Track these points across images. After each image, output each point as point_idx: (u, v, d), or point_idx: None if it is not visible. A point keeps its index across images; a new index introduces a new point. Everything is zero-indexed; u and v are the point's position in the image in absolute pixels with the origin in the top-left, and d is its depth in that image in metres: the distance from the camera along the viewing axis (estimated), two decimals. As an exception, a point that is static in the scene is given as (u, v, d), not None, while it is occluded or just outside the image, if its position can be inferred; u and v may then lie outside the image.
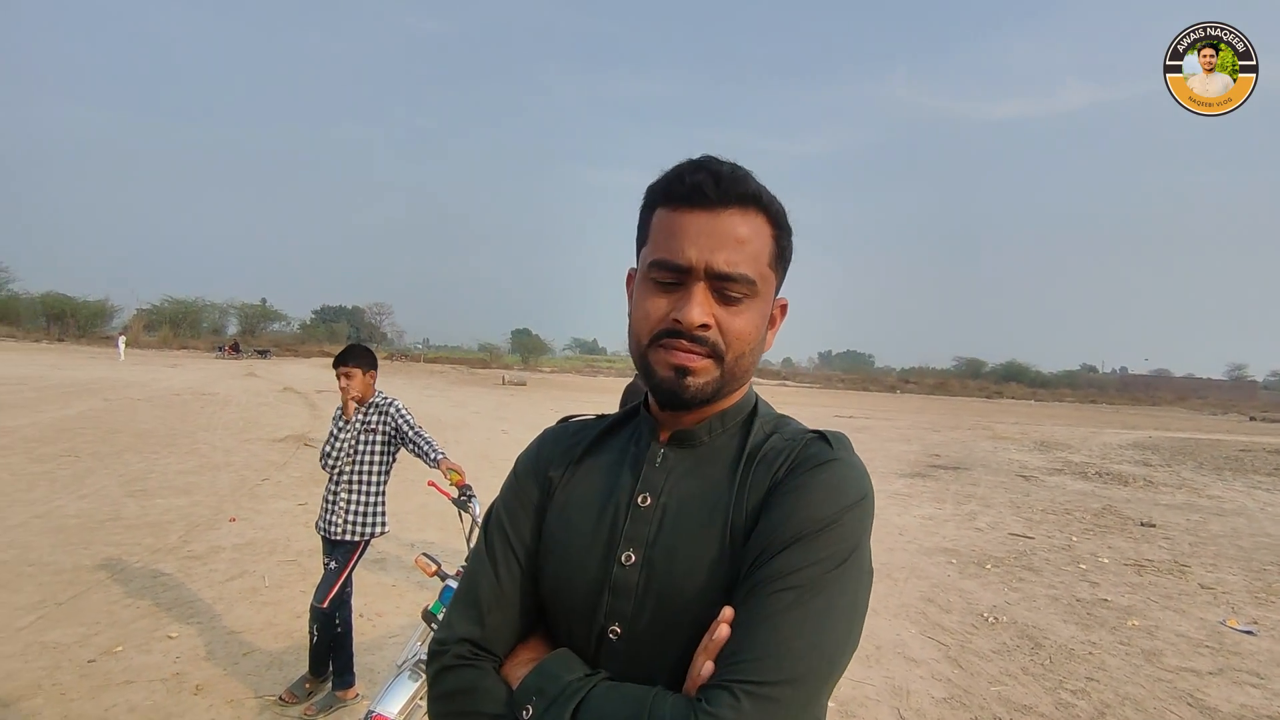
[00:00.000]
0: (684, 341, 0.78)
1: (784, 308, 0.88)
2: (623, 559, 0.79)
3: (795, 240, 0.86)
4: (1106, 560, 6.62)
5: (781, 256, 0.83)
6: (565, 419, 0.99)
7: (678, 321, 0.77)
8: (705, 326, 0.77)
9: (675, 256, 0.77)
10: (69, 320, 44.86)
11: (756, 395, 0.89)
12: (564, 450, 0.92)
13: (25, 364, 23.27)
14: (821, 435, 0.82)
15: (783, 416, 0.89)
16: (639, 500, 0.82)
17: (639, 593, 0.78)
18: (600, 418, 0.97)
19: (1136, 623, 4.91)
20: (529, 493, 0.90)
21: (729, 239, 0.77)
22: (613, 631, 0.79)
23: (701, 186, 0.77)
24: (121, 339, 36.39)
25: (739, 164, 0.80)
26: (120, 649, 3.57)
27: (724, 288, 0.77)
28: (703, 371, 0.78)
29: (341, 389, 3.26)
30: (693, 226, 0.78)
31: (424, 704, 2.52)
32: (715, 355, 0.78)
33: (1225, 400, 70.59)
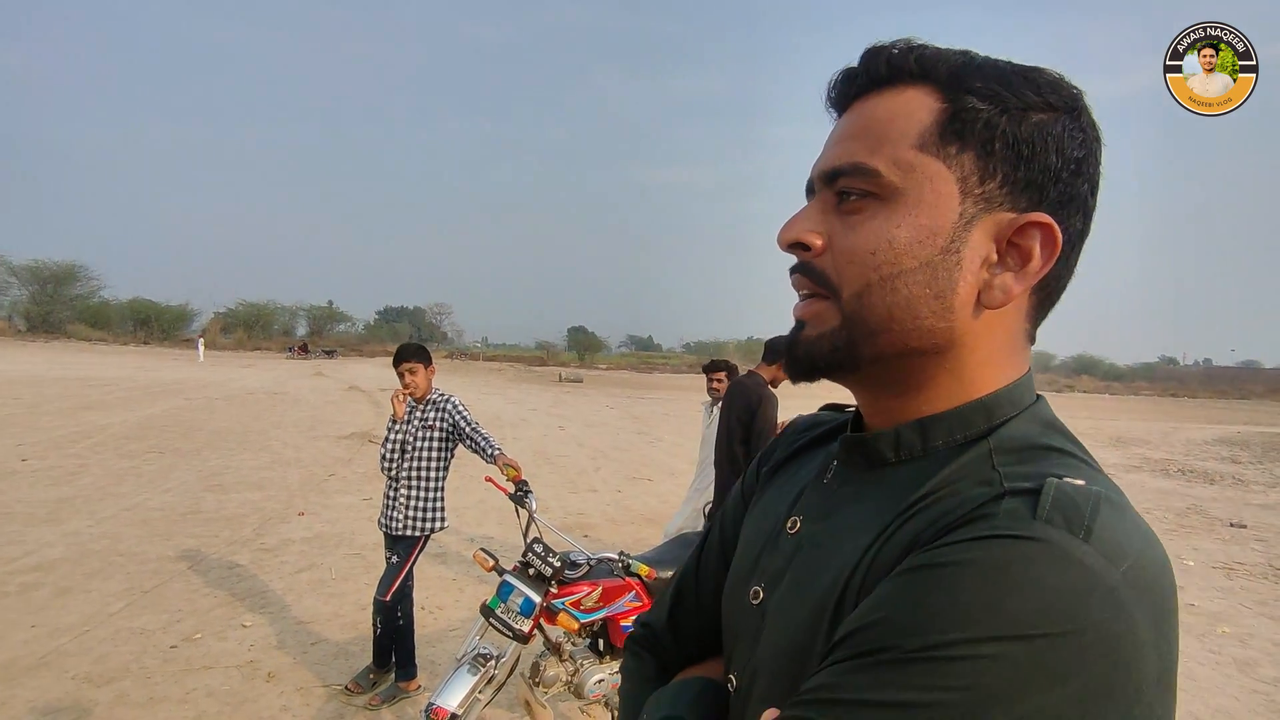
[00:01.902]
0: (797, 276, 0.57)
1: (1043, 229, 0.51)
2: (751, 595, 0.61)
3: None
4: (1192, 563, 6.24)
5: (964, 131, 0.51)
6: (825, 408, 0.76)
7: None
8: (802, 246, 0.55)
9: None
10: (153, 324, 47.48)
11: (1028, 409, 0.54)
12: (786, 444, 0.74)
13: (116, 366, 24.79)
14: (1037, 490, 0.45)
15: (1053, 452, 0.51)
16: (789, 525, 0.61)
17: (755, 640, 0.59)
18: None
19: (1227, 630, 4.61)
20: (747, 484, 0.76)
21: (856, 127, 0.55)
22: (730, 681, 0.64)
23: (836, 84, 0.58)
24: (200, 341, 38.28)
25: (919, 41, 0.56)
26: (199, 636, 3.76)
27: (839, 189, 0.54)
28: (815, 319, 0.55)
29: (406, 385, 3.34)
30: (832, 134, 0.58)
31: (483, 698, 2.57)
32: (830, 292, 0.54)
33: (1325, 393, 65.48)
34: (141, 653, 3.54)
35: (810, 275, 0.55)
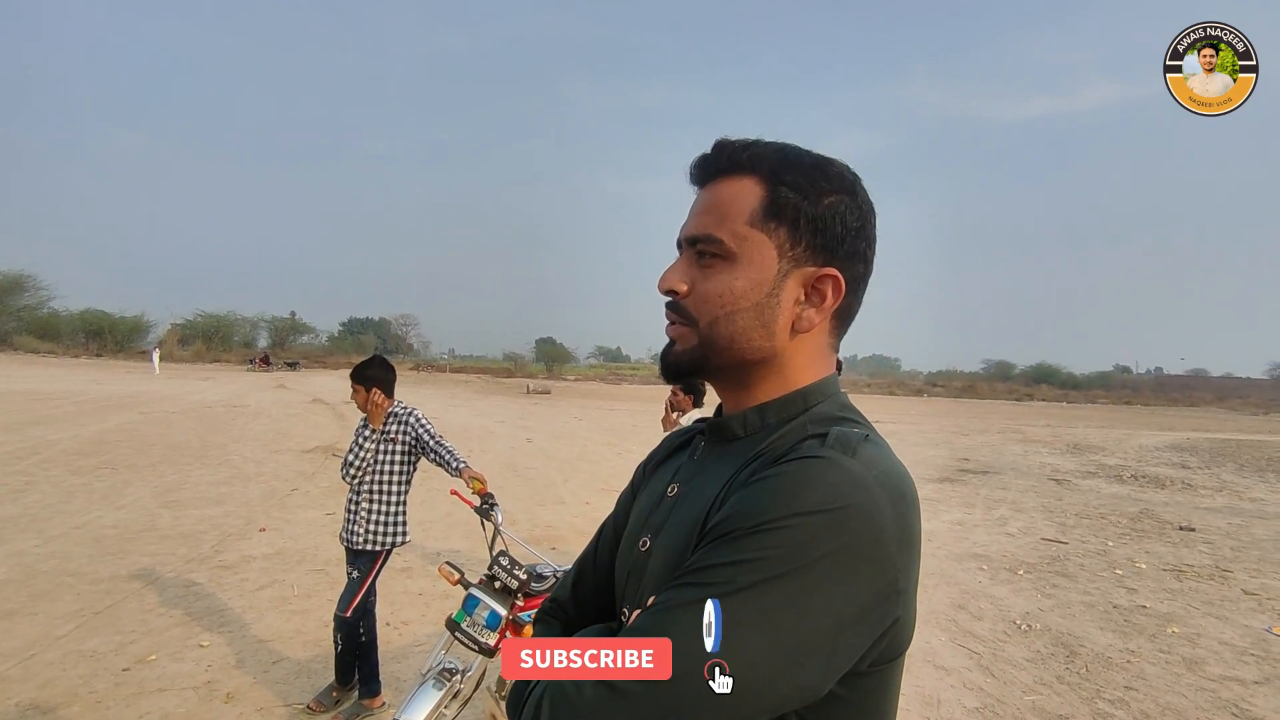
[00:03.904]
0: (669, 312, 0.79)
1: (833, 279, 0.75)
2: (640, 545, 0.79)
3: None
4: (1144, 565, 6.44)
5: (779, 213, 0.74)
6: (696, 422, 0.97)
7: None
8: (674, 292, 0.78)
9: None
10: (107, 336, 46.05)
11: (832, 396, 0.78)
12: (664, 448, 0.95)
13: (66, 379, 23.95)
14: (826, 434, 0.69)
15: (847, 422, 0.74)
16: (669, 490, 0.82)
17: (646, 579, 0.76)
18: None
19: (1177, 630, 4.77)
20: (634, 481, 0.96)
21: (708, 205, 0.77)
22: (623, 613, 0.80)
23: (694, 166, 0.80)
24: (155, 353, 37.22)
25: (757, 139, 0.78)
26: (154, 657, 3.64)
27: (698, 250, 0.77)
28: (681, 340, 0.78)
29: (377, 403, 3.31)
30: (694, 205, 0.80)
31: (449, 712, 2.54)
32: (691, 322, 0.77)
33: (1267, 400, 67.96)
34: (91, 676, 3.41)
35: (678, 311, 0.78)
